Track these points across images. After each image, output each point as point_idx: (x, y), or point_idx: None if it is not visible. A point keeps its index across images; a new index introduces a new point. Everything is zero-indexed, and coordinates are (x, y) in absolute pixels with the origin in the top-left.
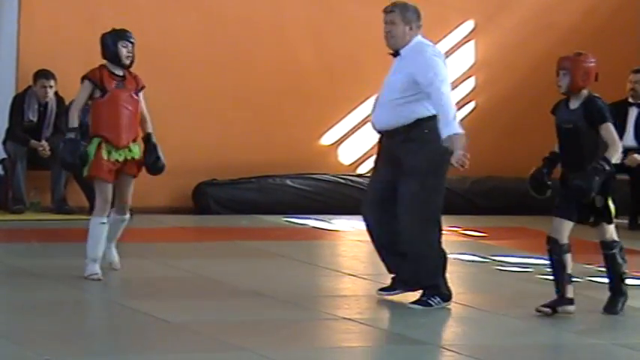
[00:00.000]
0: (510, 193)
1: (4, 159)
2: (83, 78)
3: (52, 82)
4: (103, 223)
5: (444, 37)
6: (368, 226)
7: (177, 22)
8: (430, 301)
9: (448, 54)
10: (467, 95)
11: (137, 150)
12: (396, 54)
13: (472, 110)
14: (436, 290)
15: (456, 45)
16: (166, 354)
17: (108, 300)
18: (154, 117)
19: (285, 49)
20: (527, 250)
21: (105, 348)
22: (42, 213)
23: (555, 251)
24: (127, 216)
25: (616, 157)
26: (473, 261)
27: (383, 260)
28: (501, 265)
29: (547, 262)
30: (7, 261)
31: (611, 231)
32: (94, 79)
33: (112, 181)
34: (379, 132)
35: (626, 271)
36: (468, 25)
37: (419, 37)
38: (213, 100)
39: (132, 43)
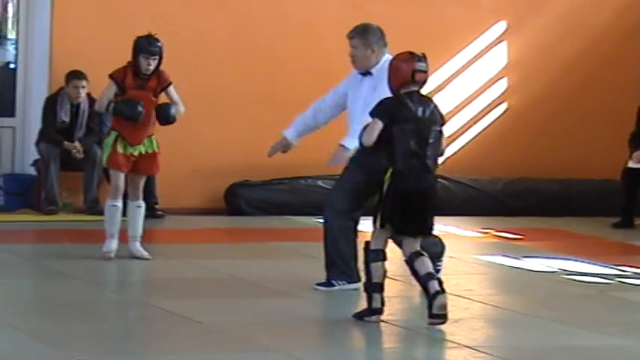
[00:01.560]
0: (543, 194)
1: (37, 160)
2: (109, 76)
3: (84, 83)
4: (114, 205)
5: (477, 38)
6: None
7: (208, 23)
8: (334, 282)
9: (480, 55)
10: (499, 96)
11: (152, 144)
12: (367, 73)
13: (504, 111)
14: (343, 273)
15: (488, 46)
16: (198, 354)
17: (140, 301)
18: (185, 117)
19: (316, 49)
20: (560, 252)
21: (138, 349)
22: (74, 214)
23: None
24: (141, 202)
25: None
26: (505, 262)
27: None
28: (534, 267)
29: (579, 263)
30: (39, 262)
31: None
32: (117, 79)
33: (126, 171)
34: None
35: None
36: (501, 26)
37: (387, 55)
38: (245, 101)
39: (155, 54)
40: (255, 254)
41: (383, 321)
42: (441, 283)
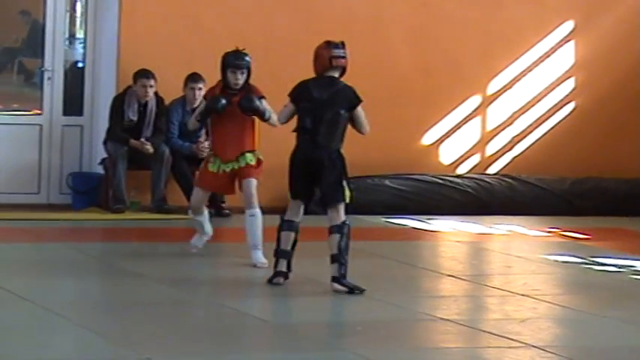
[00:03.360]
0: (610, 193)
1: (104, 159)
2: (203, 97)
3: (152, 82)
4: (197, 220)
5: (544, 37)
6: None
7: (275, 23)
8: None
9: (548, 55)
10: (566, 96)
11: (249, 158)
12: None
13: (572, 111)
14: None
15: (555, 46)
16: (265, 353)
17: (207, 300)
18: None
19: (384, 49)
20: (627, 252)
21: (204, 348)
22: (142, 212)
23: None
24: (255, 210)
25: None
26: (572, 262)
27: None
28: (601, 267)
29: None
30: (107, 260)
31: None
32: (206, 97)
33: (211, 190)
34: None
35: None
36: (568, 26)
37: None
38: None
39: (242, 67)
40: (323, 253)
41: (452, 320)
42: (290, 264)
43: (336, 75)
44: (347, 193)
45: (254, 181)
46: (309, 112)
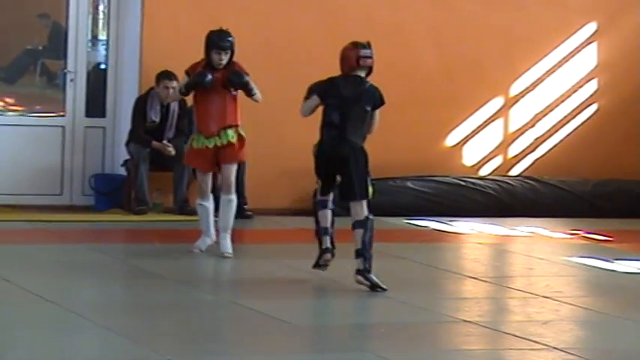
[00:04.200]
0: (632, 195)
1: (127, 160)
2: (185, 71)
3: (174, 83)
4: (200, 204)
5: (566, 39)
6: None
7: (297, 22)
8: None
9: (570, 56)
10: (589, 98)
11: (230, 135)
12: None
13: (594, 113)
14: None
15: (578, 47)
16: (287, 355)
17: (229, 301)
18: (275, 118)
19: (406, 51)
20: None
21: (226, 349)
22: (164, 214)
23: None
24: (232, 196)
25: None
26: (595, 264)
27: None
28: (623, 269)
29: None
30: (129, 261)
31: None
32: (189, 73)
33: (197, 167)
34: None
35: None
36: (591, 28)
37: None
38: None
39: (226, 48)
40: (344, 255)
41: (474, 322)
42: (332, 241)
43: (363, 74)
44: (370, 189)
45: (233, 167)
46: (337, 108)
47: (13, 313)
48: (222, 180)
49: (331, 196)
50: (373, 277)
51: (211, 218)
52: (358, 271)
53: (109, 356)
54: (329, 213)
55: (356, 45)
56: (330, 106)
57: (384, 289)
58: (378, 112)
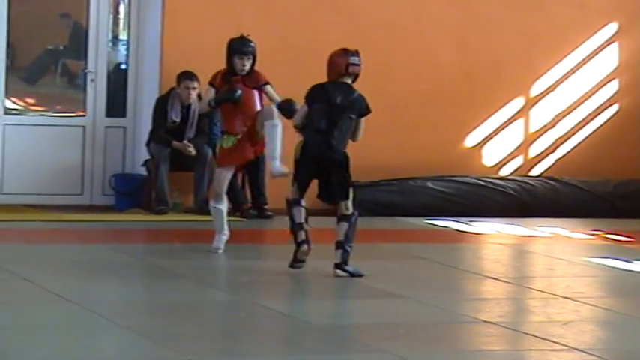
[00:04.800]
0: None
1: (147, 160)
2: (209, 82)
3: (195, 84)
4: (215, 207)
5: (587, 39)
6: None
7: (319, 24)
8: None
9: (591, 57)
10: (609, 98)
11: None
12: None
13: (615, 113)
14: None
15: (598, 47)
16: (306, 355)
17: (248, 301)
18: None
19: (426, 52)
20: None
21: (245, 348)
22: (184, 214)
23: None
24: (275, 121)
25: None
26: (615, 265)
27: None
28: None
29: None
30: (149, 261)
31: None
32: (213, 83)
33: (232, 162)
34: None
35: None
36: (611, 28)
37: None
38: None
39: (248, 54)
40: (364, 255)
41: (494, 323)
42: (307, 236)
43: (350, 81)
44: (350, 191)
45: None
46: (325, 114)
47: (34, 313)
48: (266, 112)
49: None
50: (350, 267)
51: (225, 218)
52: (336, 265)
53: (129, 356)
54: (302, 210)
55: (346, 52)
56: (317, 111)
57: (362, 275)
58: (363, 120)
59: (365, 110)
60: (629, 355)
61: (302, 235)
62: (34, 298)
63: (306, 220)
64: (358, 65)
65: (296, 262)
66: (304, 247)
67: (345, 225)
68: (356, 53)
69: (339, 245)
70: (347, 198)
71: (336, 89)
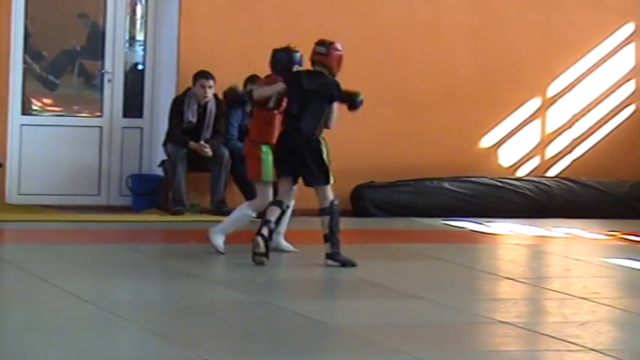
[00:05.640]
0: None
1: (164, 161)
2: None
3: (211, 83)
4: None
5: (604, 40)
6: None
7: (337, 24)
8: None
9: (607, 57)
10: (626, 98)
11: None
12: None
13: (632, 114)
14: None
15: (615, 48)
16: (323, 355)
17: (265, 301)
18: None
19: (443, 51)
20: None
21: (262, 349)
22: (201, 214)
23: None
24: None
25: None
26: (632, 265)
27: None
28: None
29: None
30: (166, 262)
31: None
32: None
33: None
34: None
35: None
36: (628, 28)
37: None
38: (371, 103)
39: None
40: (380, 255)
41: (511, 323)
42: (270, 229)
43: (324, 71)
44: (331, 175)
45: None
46: (296, 99)
47: (51, 313)
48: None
49: (290, 199)
50: (340, 257)
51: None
52: (327, 255)
53: (145, 356)
54: (278, 211)
55: (316, 43)
56: (290, 96)
57: (354, 264)
58: (335, 106)
59: (336, 94)
60: None
61: (265, 230)
62: (50, 298)
63: (278, 220)
64: (323, 55)
65: (254, 251)
66: (258, 239)
67: (327, 218)
68: (326, 44)
69: (326, 238)
70: (322, 182)
71: (307, 75)
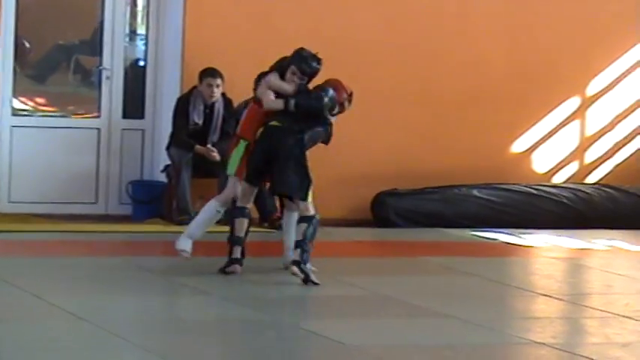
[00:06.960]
0: None
1: (167, 166)
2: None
3: (218, 81)
4: (219, 211)
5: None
6: None
7: (354, 21)
8: None
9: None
10: None
11: None
12: None
13: None
14: None
15: None
16: None
17: (278, 319)
18: None
19: (473, 47)
20: None
21: None
22: None
23: None
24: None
25: None
26: None
27: None
28: None
29: None
30: (169, 276)
31: None
32: None
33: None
34: None
35: None
36: None
37: None
38: (394, 103)
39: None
40: (404, 270)
41: (547, 344)
42: (244, 252)
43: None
44: (310, 190)
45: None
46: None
47: (45, 333)
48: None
49: (251, 204)
50: (309, 269)
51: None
52: (294, 262)
53: None
54: (246, 222)
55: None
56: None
57: (317, 284)
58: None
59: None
60: None
61: (237, 252)
62: (44, 316)
63: (247, 234)
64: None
65: (225, 271)
66: (236, 267)
67: (304, 225)
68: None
69: (298, 244)
70: (305, 198)
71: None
